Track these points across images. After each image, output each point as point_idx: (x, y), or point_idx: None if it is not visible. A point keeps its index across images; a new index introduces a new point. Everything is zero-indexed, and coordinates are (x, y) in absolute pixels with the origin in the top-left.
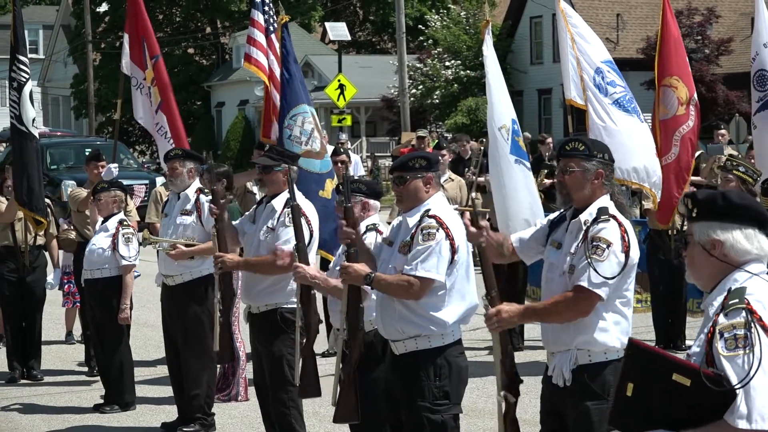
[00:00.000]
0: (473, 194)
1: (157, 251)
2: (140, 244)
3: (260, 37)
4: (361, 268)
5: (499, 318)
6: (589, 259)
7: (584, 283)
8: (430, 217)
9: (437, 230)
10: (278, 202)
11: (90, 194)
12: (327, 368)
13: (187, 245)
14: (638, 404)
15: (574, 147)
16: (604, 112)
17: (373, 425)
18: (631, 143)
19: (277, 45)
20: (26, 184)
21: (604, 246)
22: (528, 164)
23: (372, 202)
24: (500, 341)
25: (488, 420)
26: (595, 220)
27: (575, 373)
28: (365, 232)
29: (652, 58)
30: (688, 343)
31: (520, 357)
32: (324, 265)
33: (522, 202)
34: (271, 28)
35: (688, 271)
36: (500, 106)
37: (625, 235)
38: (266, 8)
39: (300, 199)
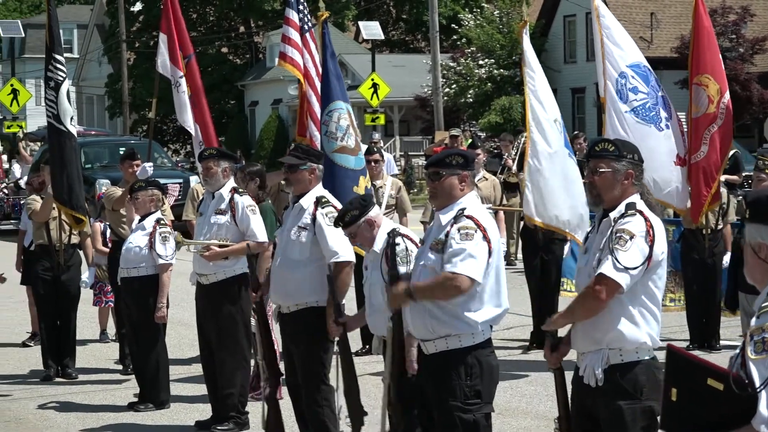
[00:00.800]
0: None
1: (191, 250)
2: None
3: (295, 36)
4: (399, 288)
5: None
6: (611, 249)
7: (605, 271)
8: (468, 217)
9: (475, 231)
10: (306, 201)
11: (125, 193)
12: (364, 368)
13: (220, 246)
14: (682, 409)
15: (603, 148)
16: (617, 121)
17: (406, 426)
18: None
19: (311, 44)
20: (66, 182)
21: (627, 237)
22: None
23: (371, 215)
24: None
25: (521, 419)
26: (622, 215)
27: (607, 372)
28: (391, 239)
29: (686, 57)
30: (722, 342)
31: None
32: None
33: (578, 196)
34: (306, 27)
35: (745, 270)
36: (551, 100)
37: (651, 229)
38: (301, 7)
39: (330, 196)
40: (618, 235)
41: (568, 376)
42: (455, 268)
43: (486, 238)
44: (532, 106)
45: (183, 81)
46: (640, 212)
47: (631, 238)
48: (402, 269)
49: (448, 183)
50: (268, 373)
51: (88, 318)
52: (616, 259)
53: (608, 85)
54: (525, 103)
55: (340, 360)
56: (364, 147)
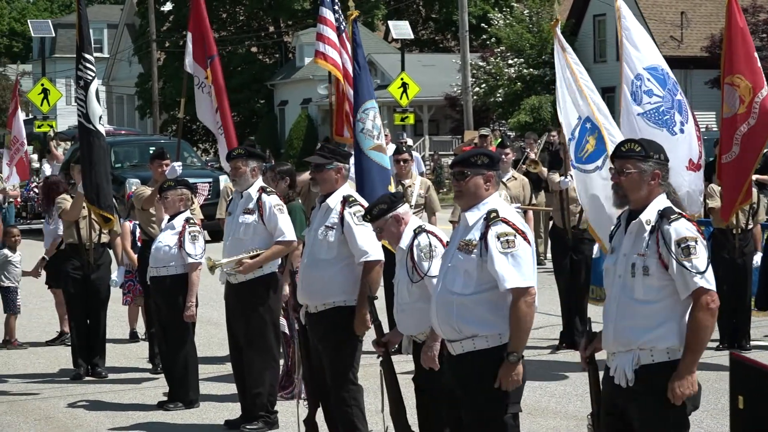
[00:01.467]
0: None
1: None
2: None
3: (331, 34)
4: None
5: (683, 394)
6: (686, 262)
7: (700, 284)
8: (504, 222)
9: (515, 236)
10: (333, 201)
11: (154, 193)
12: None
13: (252, 257)
14: (750, 416)
15: (630, 148)
16: (628, 123)
17: (434, 426)
18: None
19: (348, 44)
20: (95, 181)
21: (693, 243)
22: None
23: (399, 211)
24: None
25: (551, 419)
26: (667, 219)
27: (638, 373)
28: (415, 236)
29: (717, 56)
30: (752, 343)
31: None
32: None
33: (599, 210)
34: (342, 27)
35: None
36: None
37: (696, 225)
38: (335, 7)
39: (357, 195)
40: (683, 246)
41: (580, 374)
42: (514, 284)
43: (526, 239)
44: (594, 102)
45: (206, 81)
46: (681, 214)
47: (696, 241)
48: (425, 264)
49: (473, 183)
50: (307, 394)
51: (117, 317)
52: (698, 269)
53: (624, 86)
54: (586, 99)
55: (384, 380)
56: (392, 147)
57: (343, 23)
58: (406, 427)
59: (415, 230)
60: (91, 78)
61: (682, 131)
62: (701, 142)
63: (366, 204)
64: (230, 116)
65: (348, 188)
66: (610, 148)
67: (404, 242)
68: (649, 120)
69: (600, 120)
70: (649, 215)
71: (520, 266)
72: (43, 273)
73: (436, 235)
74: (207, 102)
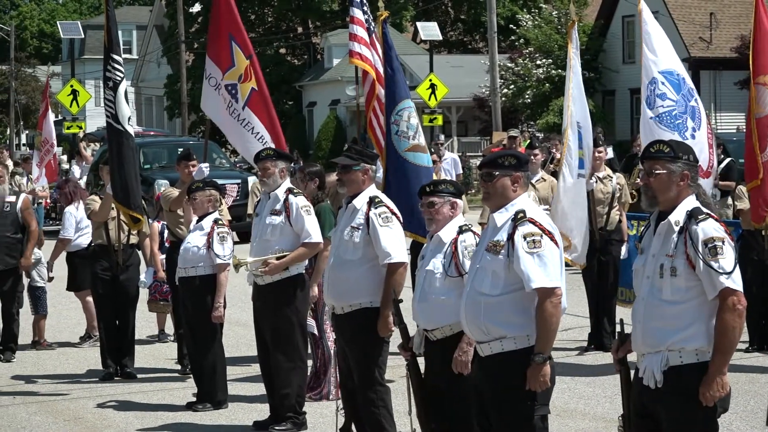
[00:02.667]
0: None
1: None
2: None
3: (362, 33)
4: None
5: (713, 396)
6: (713, 262)
7: (726, 284)
8: (531, 222)
9: (541, 237)
10: (359, 202)
11: (182, 194)
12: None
13: (278, 258)
14: None
15: (659, 149)
16: (643, 127)
17: (463, 427)
18: None
19: (378, 45)
20: (123, 181)
21: (720, 243)
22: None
23: (459, 201)
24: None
25: (580, 420)
26: (695, 220)
27: (667, 374)
28: (460, 233)
29: (746, 57)
30: None
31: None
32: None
33: (581, 221)
34: (371, 28)
35: None
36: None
37: (724, 226)
38: (365, 8)
39: (383, 196)
40: (710, 246)
41: (612, 378)
42: (541, 284)
43: (554, 240)
44: (572, 110)
45: (222, 81)
46: (709, 214)
47: (723, 242)
48: (467, 262)
49: (500, 184)
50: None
51: (146, 317)
52: (724, 269)
53: (642, 90)
54: (566, 107)
55: (410, 383)
56: None
57: (372, 24)
58: (433, 430)
59: (461, 227)
60: (119, 79)
61: (693, 137)
62: (713, 150)
63: (392, 206)
64: (275, 115)
65: (374, 189)
66: (564, 164)
67: (447, 235)
68: (661, 123)
69: (568, 134)
70: (677, 216)
71: (546, 266)
72: (65, 277)
73: (478, 236)
74: (217, 99)
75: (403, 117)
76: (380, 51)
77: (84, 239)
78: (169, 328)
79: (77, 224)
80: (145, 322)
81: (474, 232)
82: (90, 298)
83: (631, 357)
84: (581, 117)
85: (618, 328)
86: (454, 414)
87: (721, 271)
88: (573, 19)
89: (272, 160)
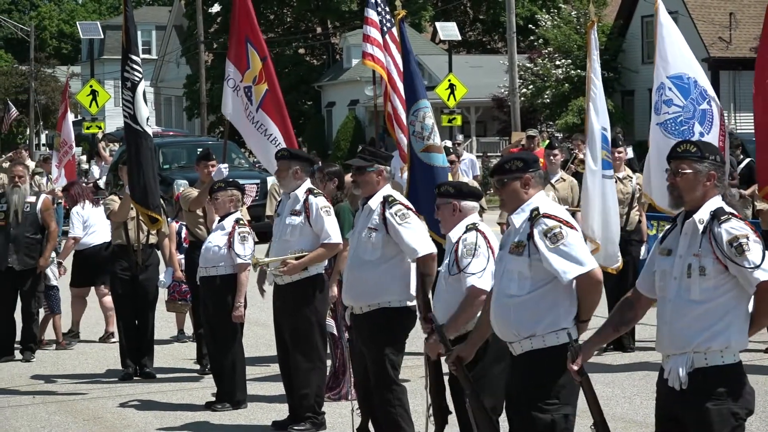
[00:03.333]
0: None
1: (269, 268)
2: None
3: (376, 34)
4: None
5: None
6: (742, 260)
7: (760, 278)
8: (546, 217)
9: (561, 228)
10: (374, 202)
11: (202, 194)
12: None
13: (297, 258)
14: None
15: (685, 149)
16: (651, 132)
17: (488, 425)
18: (659, 165)
19: (392, 45)
20: (142, 182)
21: (744, 240)
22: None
23: (462, 203)
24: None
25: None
26: (718, 221)
27: (692, 375)
28: (466, 232)
29: None
30: None
31: (631, 358)
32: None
33: (613, 226)
34: (386, 28)
35: None
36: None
37: (748, 224)
38: (379, 9)
39: (397, 195)
40: (736, 244)
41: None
42: (576, 272)
43: (573, 227)
44: (590, 115)
45: (241, 83)
46: (732, 214)
47: (747, 238)
48: (465, 260)
49: (511, 188)
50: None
51: (165, 317)
52: (752, 262)
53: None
54: (586, 110)
55: (428, 375)
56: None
57: (387, 24)
58: (445, 407)
59: (468, 226)
60: (138, 79)
61: None
62: (726, 152)
63: (406, 202)
64: (288, 117)
65: (389, 189)
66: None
67: (455, 235)
68: (665, 130)
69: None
70: (702, 215)
71: (574, 254)
72: (68, 273)
73: (485, 236)
74: (236, 101)
75: (418, 117)
76: (394, 51)
77: (90, 238)
78: (188, 328)
79: (84, 223)
80: (164, 322)
81: (479, 231)
82: (108, 298)
83: (655, 358)
84: (603, 120)
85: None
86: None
87: (752, 266)
88: (592, 19)
89: (285, 161)
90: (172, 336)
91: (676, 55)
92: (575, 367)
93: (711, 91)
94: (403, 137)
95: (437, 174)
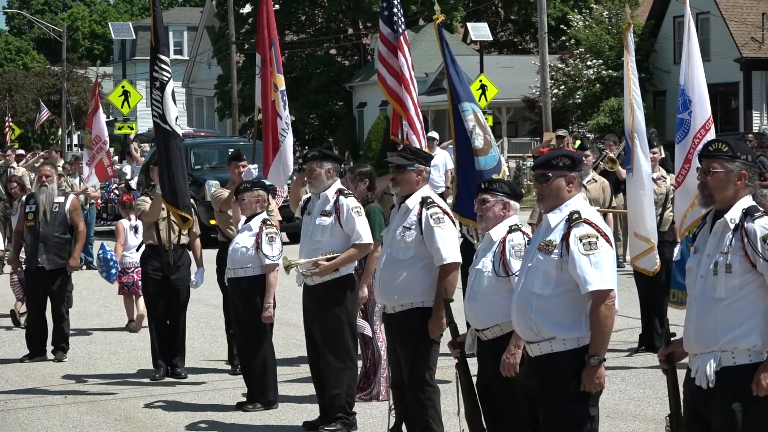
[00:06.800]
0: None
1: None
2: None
3: (385, 52)
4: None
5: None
6: (765, 257)
7: None
8: (587, 223)
9: (597, 239)
10: (412, 202)
11: (231, 194)
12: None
13: (328, 259)
14: None
15: (717, 148)
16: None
17: (512, 428)
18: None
19: (405, 47)
20: (171, 181)
21: None
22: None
23: (512, 202)
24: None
25: (630, 422)
26: (751, 217)
27: (719, 374)
28: (510, 232)
29: None
30: None
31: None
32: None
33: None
34: (400, 30)
35: None
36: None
37: None
38: (395, 10)
39: (435, 197)
40: None
41: (681, 377)
42: (598, 286)
43: (609, 241)
44: (636, 116)
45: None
46: (766, 212)
47: None
48: (514, 263)
49: (555, 185)
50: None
51: (197, 318)
52: None
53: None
54: (629, 111)
55: (459, 383)
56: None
57: (402, 26)
58: (482, 430)
59: (511, 226)
60: (167, 79)
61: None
62: (688, 166)
63: (444, 206)
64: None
65: (428, 190)
66: (631, 170)
67: (497, 234)
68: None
69: (634, 139)
70: (733, 214)
71: (602, 269)
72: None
73: (528, 237)
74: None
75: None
76: (408, 55)
77: None
78: (219, 327)
79: None
80: (195, 322)
81: (524, 232)
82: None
83: (687, 359)
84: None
85: (666, 328)
86: (504, 415)
87: None
88: (628, 21)
89: (318, 161)
90: (195, 338)
91: (685, 64)
92: (663, 354)
93: (701, 101)
94: (415, 138)
95: (473, 177)
